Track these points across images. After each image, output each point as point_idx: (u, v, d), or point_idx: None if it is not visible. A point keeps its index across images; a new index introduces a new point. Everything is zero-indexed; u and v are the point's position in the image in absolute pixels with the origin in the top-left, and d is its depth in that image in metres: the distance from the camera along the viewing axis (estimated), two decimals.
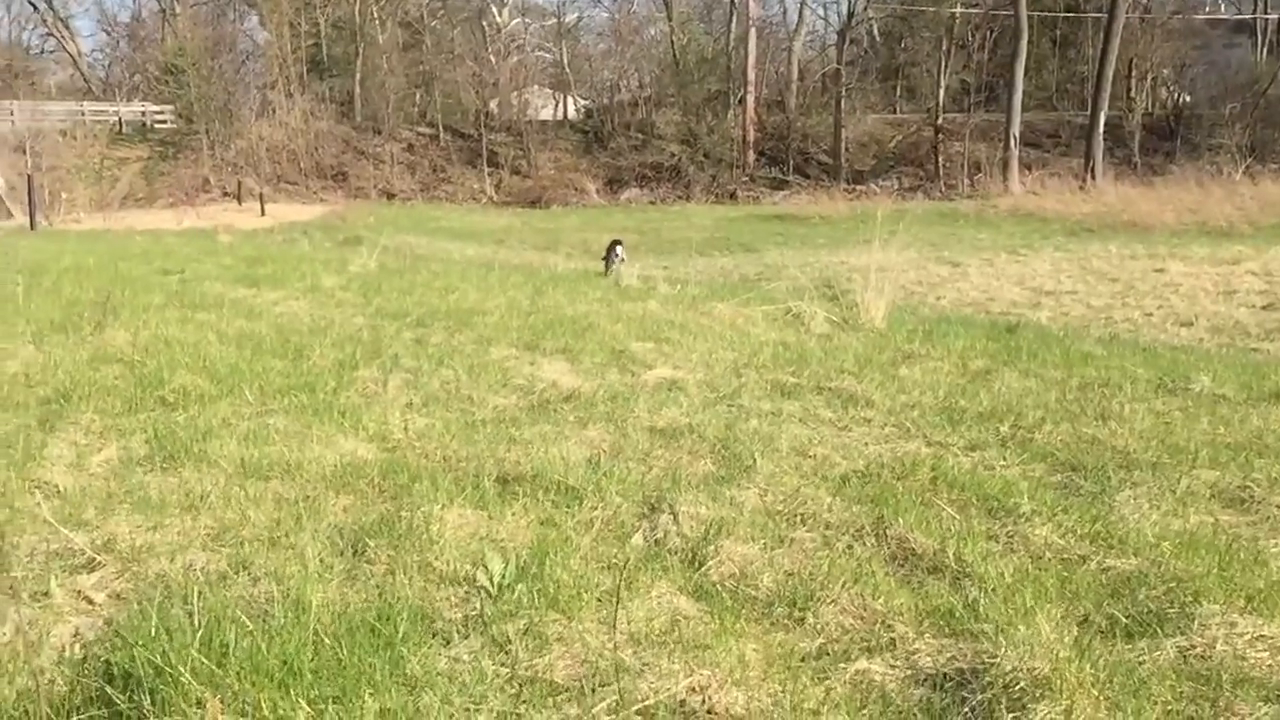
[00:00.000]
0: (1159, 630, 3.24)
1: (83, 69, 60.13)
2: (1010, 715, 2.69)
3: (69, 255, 16.30)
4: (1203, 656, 3.08)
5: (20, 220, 33.43)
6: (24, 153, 36.10)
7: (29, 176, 33.83)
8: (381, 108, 50.01)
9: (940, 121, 46.45)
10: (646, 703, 2.74)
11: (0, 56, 58.27)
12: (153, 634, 2.78)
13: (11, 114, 43.20)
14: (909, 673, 3.04)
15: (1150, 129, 46.13)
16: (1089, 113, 41.94)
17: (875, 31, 55.95)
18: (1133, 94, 47.58)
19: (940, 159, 46.13)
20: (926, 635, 3.26)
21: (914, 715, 2.77)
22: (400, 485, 4.64)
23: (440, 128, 50.98)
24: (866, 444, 5.60)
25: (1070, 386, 7.07)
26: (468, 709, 2.76)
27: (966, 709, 2.79)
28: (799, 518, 4.33)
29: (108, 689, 2.65)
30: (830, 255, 21.53)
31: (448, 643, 3.14)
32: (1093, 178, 37.76)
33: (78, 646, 3.11)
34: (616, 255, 16.42)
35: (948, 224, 29.26)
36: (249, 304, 10.78)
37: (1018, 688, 2.80)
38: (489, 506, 4.36)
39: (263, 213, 37.15)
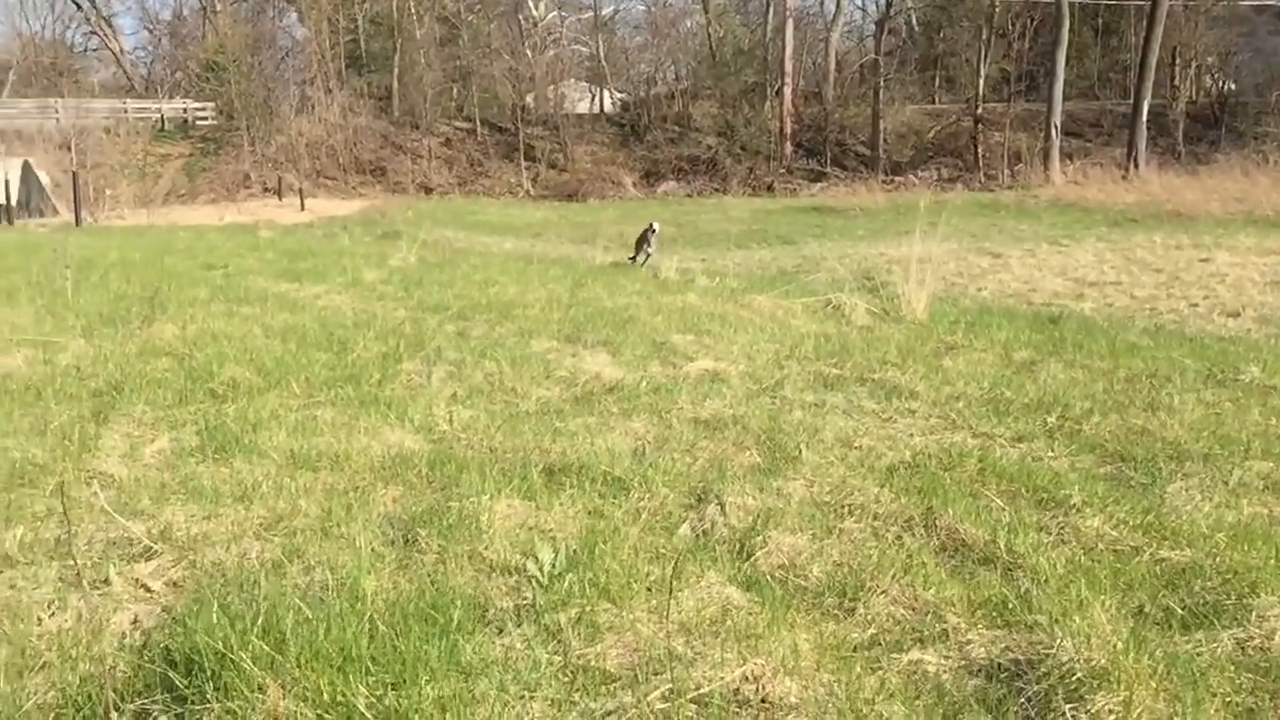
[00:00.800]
0: (1215, 622, 3.21)
1: (125, 67, 60.90)
2: (1068, 706, 2.68)
3: (115, 251, 16.54)
4: (1261, 648, 3.05)
5: (65, 216, 33.96)
6: (69, 150, 36.62)
7: (74, 173, 34.33)
8: (419, 102, 50.24)
9: (980, 111, 45.99)
10: (701, 691, 2.75)
11: (44, 54, 59.14)
12: (214, 621, 2.82)
13: (56, 111, 43.84)
14: (962, 663, 3.02)
15: (1194, 117, 45.41)
16: (1132, 101, 41.32)
17: (914, 21, 55.46)
18: (1176, 82, 46.88)
19: (980, 149, 45.68)
20: (979, 626, 3.25)
21: (970, 706, 2.76)
22: (448, 476, 4.67)
23: (477, 122, 51.15)
24: (912, 435, 5.57)
25: (1117, 377, 7.00)
26: (522, 696, 2.78)
27: (1023, 699, 2.77)
28: (847, 508, 4.32)
29: (170, 674, 2.70)
30: (869, 247, 21.39)
31: (500, 631, 3.16)
32: (1136, 167, 37.24)
33: (138, 633, 3.17)
34: (649, 243, 15.70)
35: (988, 215, 28.98)
36: (292, 298, 10.89)
37: (1074, 678, 2.78)
38: (536, 497, 4.38)
39: (302, 208, 37.46)
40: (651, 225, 15.89)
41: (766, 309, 10.21)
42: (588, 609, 3.27)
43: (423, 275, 13.11)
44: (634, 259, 15.77)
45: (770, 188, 45.28)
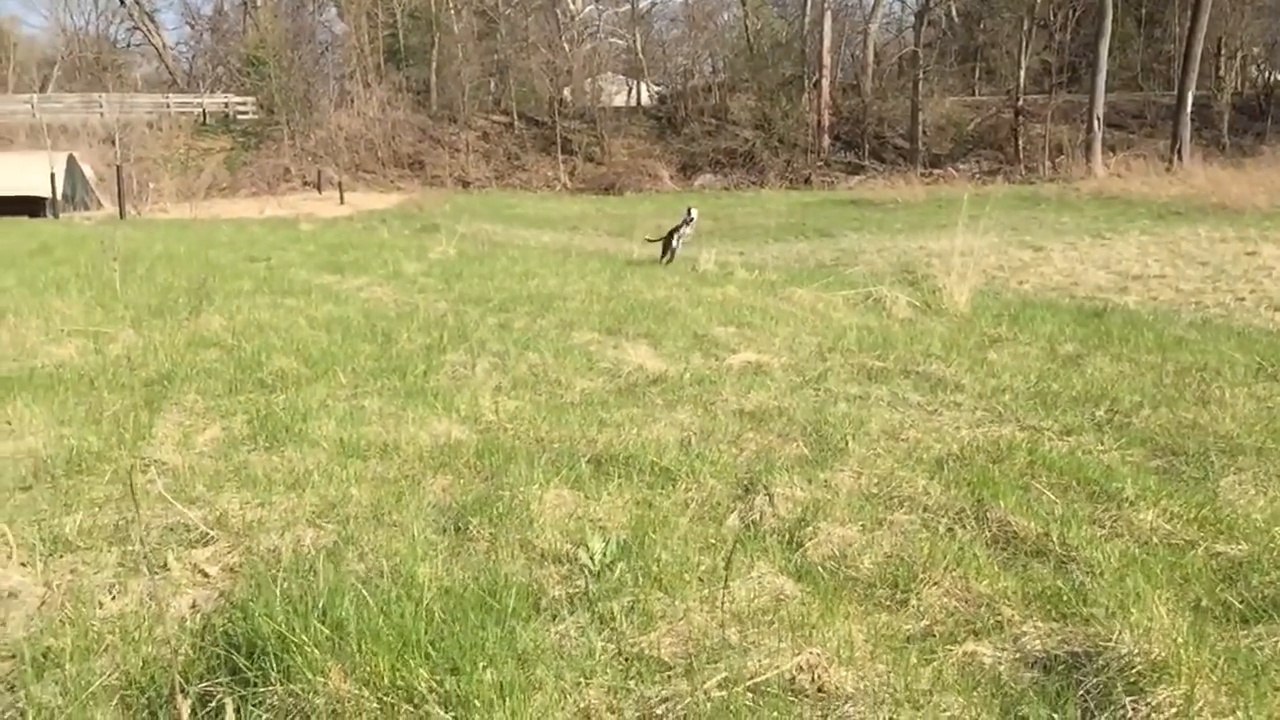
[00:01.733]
0: (1275, 616, 3.17)
1: (168, 62, 61.64)
2: (1129, 699, 2.65)
3: (159, 243, 16.76)
4: None
5: (110, 209, 34.43)
6: (113, 144, 37.11)
7: (118, 167, 34.79)
8: (457, 96, 50.50)
9: (1021, 103, 45.55)
10: (756, 680, 2.75)
11: (88, 50, 59.95)
12: (276, 605, 2.86)
13: (100, 106, 44.47)
14: (1018, 655, 3.01)
15: (1240, 109, 44.75)
16: (1176, 92, 40.79)
17: (954, 12, 54.96)
18: (1221, 73, 46.18)
19: (1020, 141, 45.25)
20: (1034, 618, 3.23)
21: (1028, 697, 2.74)
22: (496, 465, 4.70)
23: (515, 115, 51.34)
24: (959, 428, 5.54)
25: (1166, 371, 6.92)
26: (578, 683, 2.79)
27: (1081, 692, 2.75)
28: (896, 500, 4.31)
29: (234, 656, 2.74)
30: (908, 240, 21.26)
31: (555, 618, 3.18)
32: (1180, 159, 36.76)
33: (197, 617, 3.21)
34: (681, 234, 14.46)
35: (1029, 207, 28.71)
36: (334, 290, 10.99)
37: (1134, 671, 2.75)
38: (585, 487, 4.40)
39: (342, 201, 37.78)
40: (690, 212, 14.58)
41: (807, 301, 10.18)
42: (640, 597, 3.28)
43: (462, 268, 13.18)
44: (664, 256, 14.48)
45: (808, 180, 45.12)
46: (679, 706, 2.66)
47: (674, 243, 14.25)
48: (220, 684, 2.68)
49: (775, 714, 2.59)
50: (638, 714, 2.69)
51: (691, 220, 14.39)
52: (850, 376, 6.81)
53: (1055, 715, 2.64)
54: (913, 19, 52.45)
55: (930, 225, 24.09)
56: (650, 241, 14.88)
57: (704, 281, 11.81)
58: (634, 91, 56.16)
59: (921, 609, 3.32)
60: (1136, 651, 2.81)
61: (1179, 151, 37.72)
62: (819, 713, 2.66)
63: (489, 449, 4.95)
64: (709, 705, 2.62)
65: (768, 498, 4.28)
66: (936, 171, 44.06)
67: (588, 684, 2.80)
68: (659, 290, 10.79)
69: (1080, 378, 6.67)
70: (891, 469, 4.73)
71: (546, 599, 3.33)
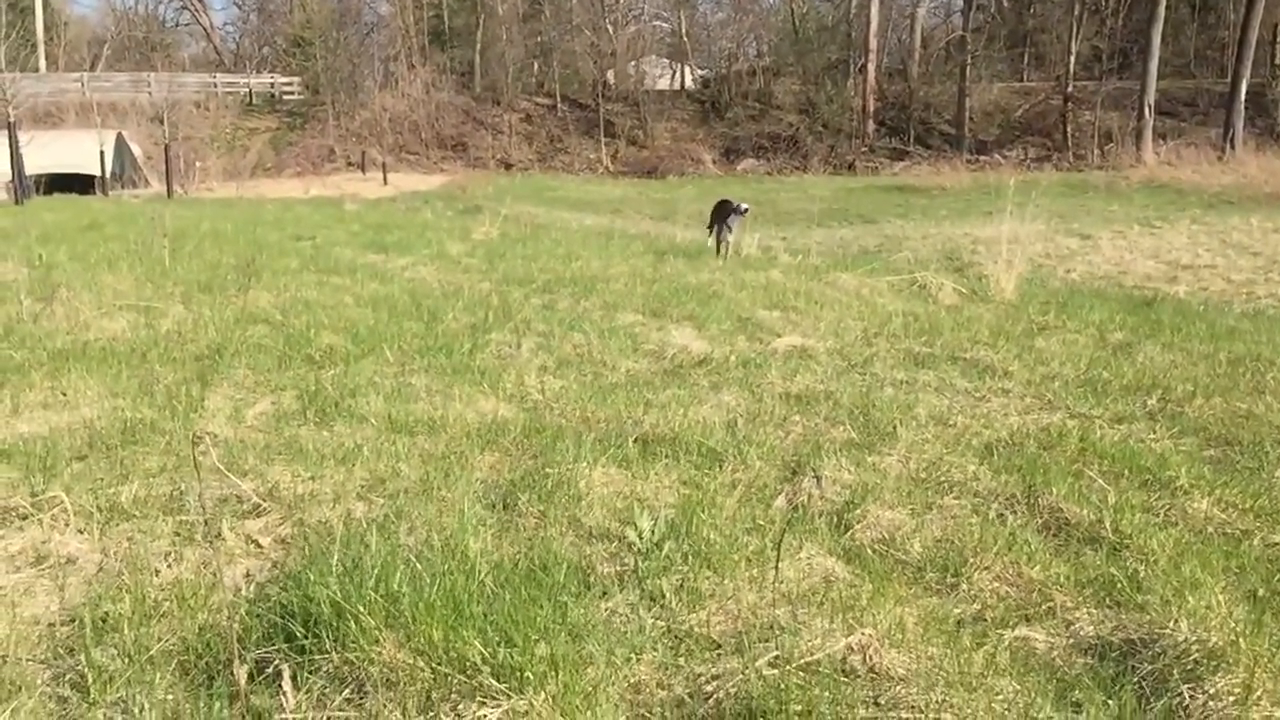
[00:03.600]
0: None
1: (215, 41, 62.20)
2: (1185, 686, 2.62)
3: (206, 221, 16.94)
4: None
5: (157, 188, 34.87)
6: (160, 123, 37.53)
7: (166, 146, 35.19)
8: (501, 78, 50.58)
9: (1070, 89, 44.90)
10: (808, 660, 2.75)
11: (137, 29, 60.61)
12: (333, 574, 2.89)
13: (149, 85, 44.95)
14: (1071, 641, 2.98)
15: None
16: (1229, 80, 40.04)
17: None
18: (1277, 61, 45.26)
19: (1069, 128, 44.62)
20: (1087, 605, 3.20)
21: (1082, 683, 2.72)
22: (543, 443, 4.72)
23: (558, 98, 51.33)
24: (1007, 414, 5.49)
25: (1218, 361, 6.83)
26: (629, 658, 2.80)
27: (1137, 679, 2.73)
28: (945, 485, 4.28)
29: (290, 624, 2.77)
30: (953, 227, 21.08)
31: (604, 595, 3.19)
32: (1232, 148, 36.14)
33: (251, 586, 3.26)
34: (729, 227, 12.65)
35: (1077, 195, 28.37)
36: (380, 269, 11.06)
37: (1190, 659, 2.72)
38: (632, 466, 4.41)
39: (385, 182, 38.02)
40: (738, 206, 12.68)
41: (851, 287, 10.12)
42: (689, 576, 3.29)
43: (505, 249, 13.22)
44: (718, 250, 12.67)
45: (851, 166, 44.79)
46: (729, 684, 2.66)
47: (723, 233, 12.57)
48: (277, 651, 2.71)
49: (827, 694, 2.58)
50: (688, 690, 2.69)
51: (741, 213, 12.61)
52: (896, 362, 6.77)
53: (1111, 701, 2.62)
54: (961, 3, 51.84)
55: (976, 212, 23.85)
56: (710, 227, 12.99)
57: (747, 266, 11.76)
58: (678, 75, 55.95)
59: (972, 593, 3.30)
60: (1193, 639, 2.78)
61: (1231, 140, 37.08)
62: (871, 693, 2.65)
63: (535, 427, 4.97)
64: (760, 683, 2.62)
65: (815, 480, 4.26)
66: (983, 158, 43.59)
67: (638, 660, 2.81)
68: (702, 274, 10.77)
69: (1131, 366, 6.59)
70: (940, 454, 4.70)
71: (595, 575, 3.34)
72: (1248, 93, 38.88)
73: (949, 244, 18.22)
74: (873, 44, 48.49)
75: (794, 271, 11.29)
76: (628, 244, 15.16)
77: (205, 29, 62.68)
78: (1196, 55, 50.75)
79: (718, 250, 12.61)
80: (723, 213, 12.69)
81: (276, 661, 2.64)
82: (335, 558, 3.01)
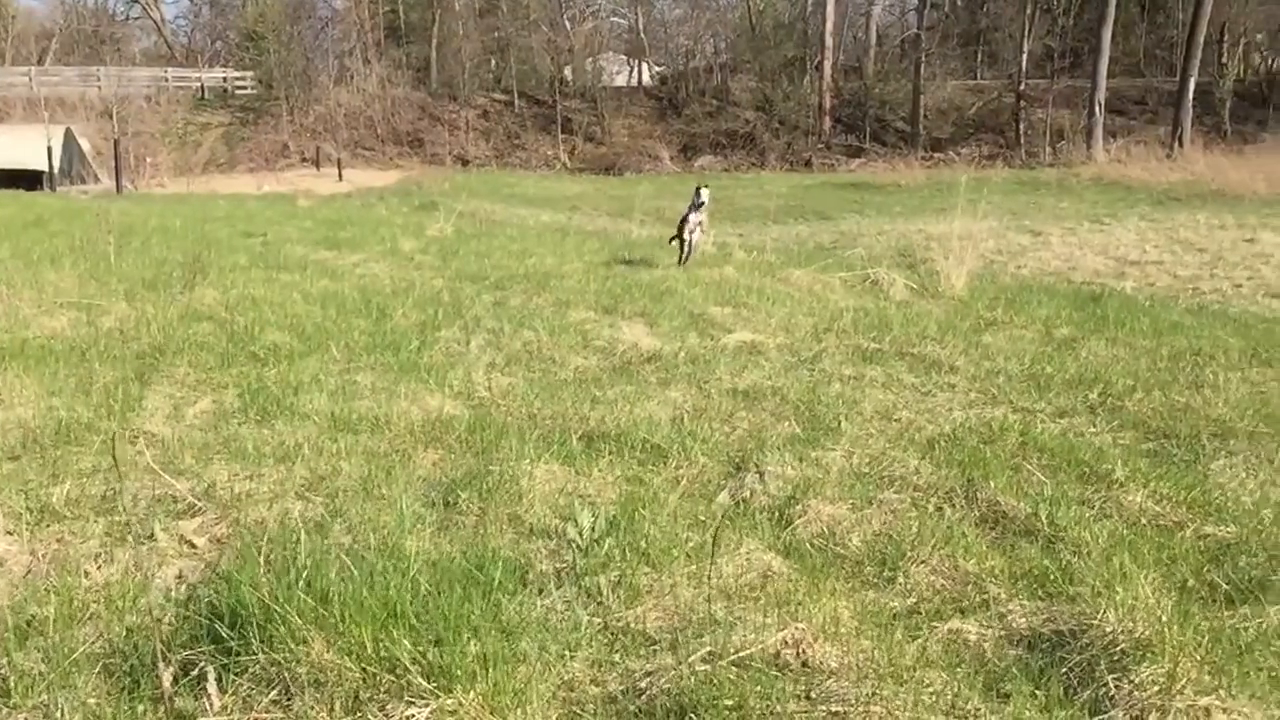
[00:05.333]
0: (1261, 598, 3.17)
1: (166, 36, 61.37)
2: (1111, 677, 2.65)
3: (155, 217, 16.70)
4: None
5: (106, 184, 34.33)
6: (110, 117, 36.95)
7: (115, 141, 34.66)
8: (457, 74, 50.26)
9: (1022, 88, 45.36)
10: (741, 654, 2.75)
11: (86, 23, 59.65)
12: (260, 575, 2.86)
13: (98, 80, 44.25)
14: (1003, 633, 3.01)
15: (1241, 96, 44.56)
16: (1178, 79, 40.66)
17: None
18: (1224, 59, 45.98)
19: (1022, 126, 45.09)
20: (1020, 597, 3.23)
21: (1011, 674, 2.74)
22: (487, 441, 4.69)
23: (515, 94, 51.11)
24: (952, 409, 5.54)
25: (1160, 355, 6.93)
26: (563, 656, 2.79)
27: (1065, 669, 2.76)
28: (886, 479, 4.31)
29: (217, 625, 2.73)
30: (907, 224, 21.21)
31: (541, 592, 3.18)
32: (1180, 145, 36.69)
33: (182, 587, 3.21)
34: (691, 225, 11.14)
35: (1028, 192, 28.67)
36: (330, 266, 10.96)
37: (1117, 649, 2.75)
38: (575, 463, 4.39)
39: (340, 178, 37.66)
40: (699, 193, 11.08)
41: (804, 283, 10.16)
42: (627, 572, 3.28)
43: (460, 246, 13.15)
44: (681, 254, 11.23)
45: (808, 163, 44.97)
46: (663, 680, 2.66)
47: (686, 235, 11.12)
48: (203, 653, 2.68)
49: (759, 688, 2.59)
50: (622, 687, 2.69)
51: (702, 204, 11.03)
52: (845, 357, 6.80)
53: (1038, 692, 2.64)
54: (915, 1, 52.21)
55: (930, 209, 24.02)
56: (672, 241, 11.59)
57: (702, 262, 11.77)
58: (635, 71, 55.92)
59: (909, 586, 3.32)
60: (1120, 630, 2.81)
61: (1180, 138, 37.65)
62: (803, 687, 2.66)
63: (481, 424, 4.94)
64: (693, 679, 2.62)
65: (759, 475, 4.28)
66: (937, 155, 43.94)
67: (572, 656, 2.80)
68: (656, 270, 10.77)
69: (1075, 361, 6.67)
70: (883, 449, 4.73)
71: (534, 573, 3.33)
72: (1195, 91, 39.48)
73: (903, 240, 18.31)
74: (829, 41, 48.71)
75: (748, 268, 11.31)
76: (583, 241, 15.14)
77: (156, 23, 61.81)
78: (1146, 54, 51.46)
79: (681, 250, 11.21)
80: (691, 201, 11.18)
81: (202, 664, 2.60)
82: (262, 557, 2.97)
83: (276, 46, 48.12)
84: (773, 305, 8.69)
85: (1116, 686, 2.62)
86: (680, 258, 11.16)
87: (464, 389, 5.69)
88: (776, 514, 3.89)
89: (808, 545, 3.61)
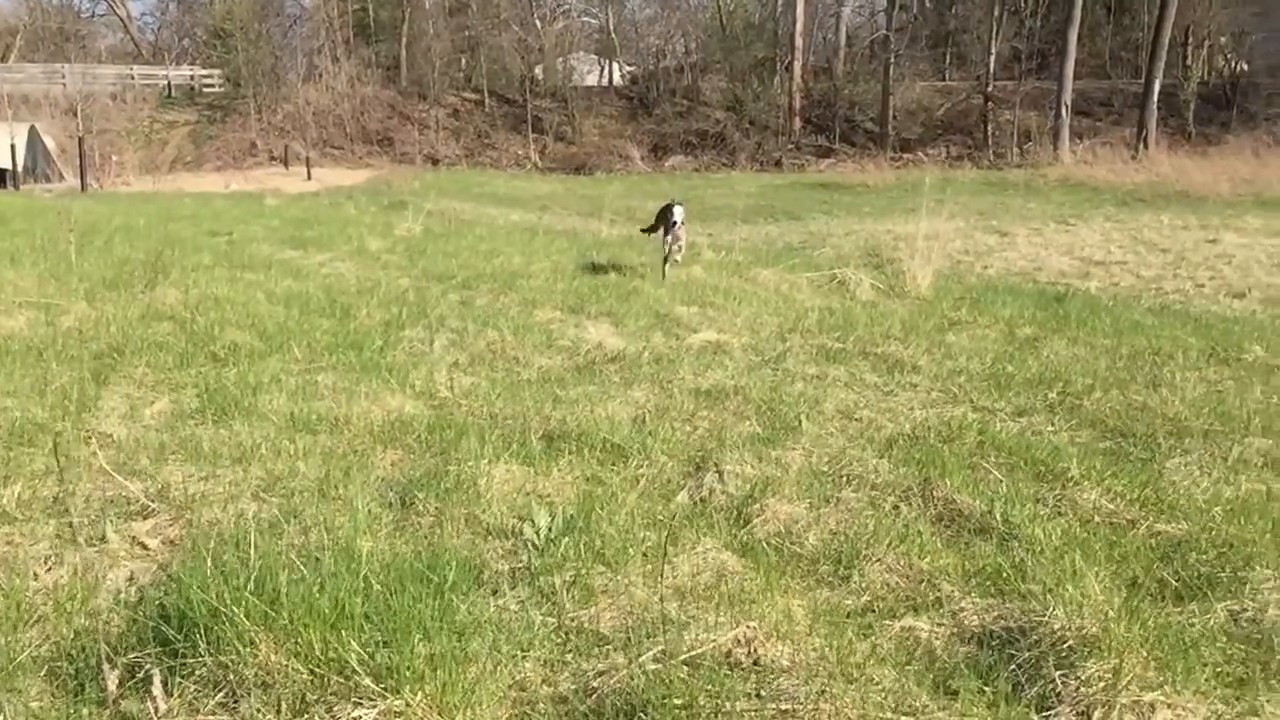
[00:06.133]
0: (1209, 594, 3.21)
1: (132, 33, 60.66)
2: (1058, 673, 2.68)
3: (119, 216, 16.54)
4: (1254, 620, 3.05)
5: (71, 182, 33.95)
6: (75, 115, 36.53)
7: (80, 139, 34.27)
8: (427, 73, 49.98)
9: (990, 89, 45.64)
10: (692, 653, 2.75)
11: (51, 20, 58.90)
12: (208, 577, 2.83)
13: (63, 77, 43.71)
14: (955, 630, 3.03)
15: (1206, 98, 45.01)
16: (1143, 81, 41.03)
17: None
18: (1189, 62, 46.45)
19: (989, 127, 45.36)
20: (973, 594, 3.25)
21: (960, 671, 2.76)
22: (447, 441, 4.68)
23: (485, 93, 50.91)
24: (913, 408, 5.57)
25: (1120, 354, 6.99)
26: (515, 656, 2.79)
27: (1013, 666, 2.78)
28: (845, 478, 4.32)
29: (164, 628, 2.71)
30: (876, 224, 21.29)
31: (495, 592, 3.17)
32: (1145, 147, 37.00)
33: (133, 589, 3.18)
34: (675, 235, 10.29)
35: (996, 193, 28.83)
36: (296, 265, 10.89)
37: (1065, 646, 2.78)
38: (535, 463, 4.39)
39: (309, 177, 37.38)
40: (673, 211, 10.31)
41: (771, 283, 10.19)
42: (582, 572, 3.28)
43: (428, 245, 13.10)
44: (666, 263, 10.44)
45: (778, 163, 45.06)
46: (614, 680, 2.66)
47: (667, 248, 10.41)
48: (149, 655, 2.65)
49: (709, 687, 2.59)
50: (573, 687, 2.69)
51: (674, 223, 10.29)
52: (809, 357, 6.83)
53: (986, 689, 2.66)
54: (885, 2, 52.42)
55: (898, 209, 24.12)
56: (645, 230, 11.00)
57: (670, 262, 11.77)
58: (606, 71, 55.86)
59: (863, 585, 3.34)
60: (1069, 627, 2.84)
61: (1145, 139, 37.97)
62: (753, 685, 2.67)
63: (441, 424, 4.92)
64: (643, 678, 2.62)
65: (718, 475, 4.29)
66: (906, 156, 44.11)
67: (524, 657, 2.79)
68: (624, 270, 10.77)
69: (1036, 360, 6.72)
70: (843, 448, 4.75)
71: (489, 573, 3.32)
72: (1160, 93, 39.84)
73: (871, 240, 18.38)
74: (798, 42, 48.83)
75: (716, 268, 11.33)
76: (552, 240, 15.11)
77: (122, 20, 61.10)
78: (1112, 56, 51.89)
79: (664, 263, 10.44)
80: (663, 220, 10.53)
81: (148, 666, 2.58)
82: (210, 559, 2.95)
83: (244, 44, 47.68)
84: (739, 305, 8.72)
85: (1063, 683, 2.64)
86: (665, 266, 10.42)
87: (426, 389, 5.67)
88: (735, 513, 3.90)
89: (764, 544, 3.62)
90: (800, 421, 5.13)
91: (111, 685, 2.43)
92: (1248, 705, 2.63)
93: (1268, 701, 2.65)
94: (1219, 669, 2.78)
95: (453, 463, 4.30)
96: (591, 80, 54.98)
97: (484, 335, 7.13)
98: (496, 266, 10.86)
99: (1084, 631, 2.80)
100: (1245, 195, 24.57)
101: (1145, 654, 2.71)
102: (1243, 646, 2.90)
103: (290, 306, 7.99)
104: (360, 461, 4.39)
